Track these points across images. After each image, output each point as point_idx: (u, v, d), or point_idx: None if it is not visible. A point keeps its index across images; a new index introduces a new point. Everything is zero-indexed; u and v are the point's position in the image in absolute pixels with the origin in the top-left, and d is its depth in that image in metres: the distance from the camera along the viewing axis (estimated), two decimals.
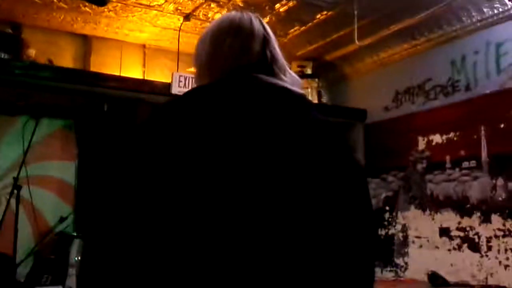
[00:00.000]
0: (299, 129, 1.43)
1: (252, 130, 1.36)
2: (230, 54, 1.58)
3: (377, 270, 8.45)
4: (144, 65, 8.59)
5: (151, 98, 7.07)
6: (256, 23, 1.64)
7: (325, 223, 1.40)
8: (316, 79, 9.21)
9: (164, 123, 1.42)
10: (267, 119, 1.39)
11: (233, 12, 1.69)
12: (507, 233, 6.73)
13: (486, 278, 6.83)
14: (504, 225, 6.76)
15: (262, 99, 1.43)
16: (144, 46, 8.61)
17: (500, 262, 6.77)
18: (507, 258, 6.69)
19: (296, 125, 1.43)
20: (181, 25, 7.67)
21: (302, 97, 1.53)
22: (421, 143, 7.91)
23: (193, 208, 1.29)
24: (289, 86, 1.53)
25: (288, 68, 1.64)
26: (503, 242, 6.75)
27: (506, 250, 6.71)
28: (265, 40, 1.61)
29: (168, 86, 7.24)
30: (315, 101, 9.01)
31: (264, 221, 1.30)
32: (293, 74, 1.63)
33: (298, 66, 9.20)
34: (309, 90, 9.10)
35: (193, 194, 1.30)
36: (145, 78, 8.29)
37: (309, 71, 9.18)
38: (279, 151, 1.37)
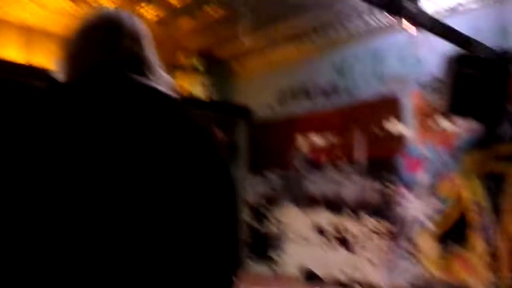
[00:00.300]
0: (164, 129, 1.44)
1: (117, 129, 1.35)
2: (99, 47, 1.57)
3: (253, 265, 8.63)
4: (26, 48, 8.14)
5: (32, 83, 6.70)
6: (130, 21, 1.65)
7: (185, 219, 1.42)
8: (205, 75, 9.21)
9: (27, 116, 1.38)
10: (132, 118, 1.39)
11: (110, 8, 1.70)
12: (376, 232, 7.12)
13: (354, 275, 7.19)
14: (373, 225, 7.15)
15: (129, 98, 1.42)
16: (26, 28, 8.16)
17: (368, 260, 7.16)
18: (375, 256, 7.09)
19: (160, 125, 1.44)
20: (68, 9, 7.35)
21: (170, 98, 1.54)
22: (302, 144, 8.17)
23: (50, 206, 1.26)
24: (157, 86, 1.53)
25: (159, 68, 1.65)
26: (372, 241, 7.14)
27: (374, 248, 7.11)
28: (137, 38, 1.62)
29: (50, 72, 6.90)
30: (204, 97, 9.01)
31: (122, 219, 1.29)
32: (164, 74, 1.64)
33: (188, 61, 9.15)
34: (198, 86, 9.08)
35: (51, 192, 1.27)
36: (27, 62, 7.85)
37: (199, 67, 9.16)
38: (142, 150, 1.37)
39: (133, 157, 1.34)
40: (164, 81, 1.60)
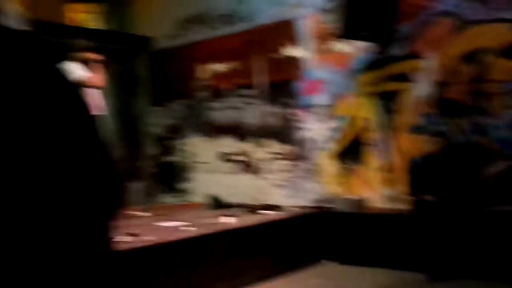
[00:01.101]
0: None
1: None
2: None
3: (162, 196, 8.66)
4: None
5: None
6: None
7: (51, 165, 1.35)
8: (101, 4, 8.79)
9: None
10: None
11: None
12: (278, 156, 7.30)
13: (260, 198, 7.40)
14: (276, 148, 7.32)
15: None
16: None
17: (273, 183, 7.36)
18: (279, 179, 7.30)
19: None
20: None
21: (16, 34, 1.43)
22: (204, 72, 8.10)
23: None
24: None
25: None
26: (275, 164, 7.33)
27: (278, 171, 7.31)
28: None
29: None
30: (99, 26, 8.63)
31: None
32: (13, 8, 1.53)
33: None
34: (90, 14, 8.68)
35: None
36: None
37: None
38: None
39: None
40: (11, 16, 1.49)
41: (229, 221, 5.80)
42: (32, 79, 1.35)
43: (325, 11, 6.73)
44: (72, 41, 6.13)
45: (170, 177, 8.55)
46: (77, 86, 1.49)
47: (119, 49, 8.57)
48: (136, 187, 7.99)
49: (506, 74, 5.48)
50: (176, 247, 4.81)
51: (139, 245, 4.62)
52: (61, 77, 1.43)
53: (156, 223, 5.90)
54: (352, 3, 5.66)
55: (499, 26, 5.54)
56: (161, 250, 4.69)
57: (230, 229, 5.49)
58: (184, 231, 5.29)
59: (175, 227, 5.53)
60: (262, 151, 7.47)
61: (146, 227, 5.55)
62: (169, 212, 6.95)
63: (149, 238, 4.85)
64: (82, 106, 1.48)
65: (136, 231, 5.09)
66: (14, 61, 1.36)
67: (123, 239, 4.73)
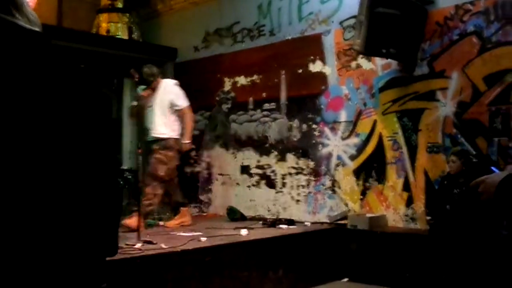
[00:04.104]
0: (22, 65, 1.37)
1: None
2: None
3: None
4: None
5: None
6: None
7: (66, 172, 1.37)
8: (127, 14, 8.94)
9: None
10: None
11: None
12: (299, 170, 7.29)
13: (279, 212, 7.39)
14: (297, 163, 7.32)
15: None
16: None
17: (292, 197, 7.35)
18: (298, 194, 7.28)
19: (19, 61, 1.37)
20: None
21: (36, 35, 1.47)
22: (227, 84, 8.16)
23: None
24: (21, 23, 1.46)
25: (26, 5, 1.55)
26: (295, 179, 7.32)
27: (298, 186, 7.30)
28: None
29: None
30: (125, 36, 8.77)
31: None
32: (31, 12, 1.56)
33: (111, 2, 8.86)
34: (119, 25, 8.82)
35: None
36: None
37: (120, 5, 8.88)
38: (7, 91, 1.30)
39: None
40: (31, 19, 1.53)
41: (244, 233, 5.80)
42: (48, 81, 1.38)
43: (348, 27, 6.75)
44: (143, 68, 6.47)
45: (191, 188, 8.58)
46: (96, 95, 1.52)
47: (145, 59, 8.69)
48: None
49: None
50: (189, 256, 4.82)
51: (153, 252, 4.65)
52: (76, 81, 1.46)
53: (173, 232, 5.92)
54: (374, 19, 5.65)
55: None
56: (174, 258, 4.70)
57: (244, 241, 5.48)
58: (199, 241, 5.30)
59: (191, 237, 5.55)
60: (283, 165, 7.46)
61: (162, 236, 5.58)
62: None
63: (164, 246, 4.87)
64: (92, 110, 1.51)
65: (152, 239, 5.13)
66: (33, 61, 1.39)
67: (139, 246, 4.77)
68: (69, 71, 1.47)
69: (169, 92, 6.47)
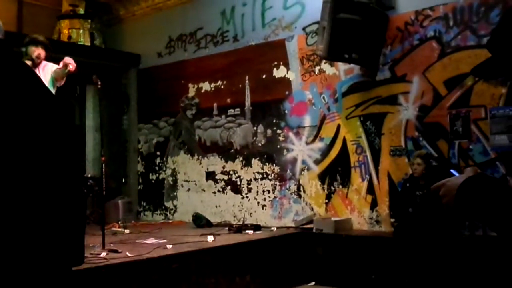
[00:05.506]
0: None
1: None
2: None
3: (148, 214, 8.63)
4: None
5: None
6: None
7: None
8: (89, 20, 8.84)
9: None
10: None
11: None
12: (264, 176, 7.31)
13: (245, 218, 7.39)
14: (262, 168, 7.33)
15: None
16: None
17: (258, 203, 7.36)
18: (264, 199, 7.30)
19: None
20: None
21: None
22: (191, 90, 8.14)
23: None
24: None
25: None
26: (261, 184, 7.34)
27: (263, 191, 7.31)
28: None
29: None
30: (87, 43, 8.67)
31: None
32: None
33: (70, 5, 8.75)
34: (81, 31, 8.72)
35: None
36: None
37: (81, 11, 8.78)
38: None
39: None
40: None
41: (210, 239, 5.78)
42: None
43: (311, 32, 6.81)
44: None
45: (155, 195, 8.53)
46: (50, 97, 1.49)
47: (108, 66, 8.61)
48: (121, 203, 7.97)
49: (488, 99, 5.54)
50: (155, 264, 4.78)
51: (118, 261, 4.59)
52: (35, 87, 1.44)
53: (138, 240, 5.86)
54: (337, 25, 5.71)
55: (483, 52, 5.61)
56: (139, 267, 4.66)
57: (211, 248, 5.46)
58: (165, 248, 5.26)
59: (157, 244, 5.50)
60: (248, 171, 7.47)
61: (128, 244, 5.52)
62: (153, 229, 6.92)
63: (129, 255, 4.82)
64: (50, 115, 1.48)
65: (117, 248, 5.07)
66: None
67: (103, 255, 4.71)
68: (31, 79, 1.45)
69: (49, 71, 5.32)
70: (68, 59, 5.13)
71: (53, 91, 4.34)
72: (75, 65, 5.18)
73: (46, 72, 5.16)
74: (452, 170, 1.39)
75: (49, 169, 1.42)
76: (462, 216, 1.29)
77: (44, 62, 5.20)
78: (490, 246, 4.76)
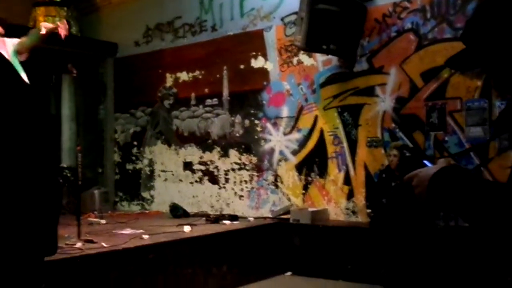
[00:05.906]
0: None
1: None
2: None
3: (125, 204, 8.58)
4: None
5: None
6: None
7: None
8: (65, 8, 8.70)
9: None
10: None
11: None
12: (242, 166, 7.31)
13: (222, 208, 7.39)
14: (240, 159, 7.33)
15: None
16: None
17: (235, 193, 7.36)
18: (242, 189, 7.30)
19: None
20: None
21: None
22: (169, 80, 8.08)
23: None
24: None
25: None
26: (238, 174, 7.34)
27: (241, 182, 7.31)
28: None
29: None
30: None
31: None
32: None
33: None
34: (57, 18, 8.58)
35: None
36: None
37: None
38: None
39: None
40: None
41: (187, 230, 5.76)
42: None
43: (290, 23, 6.81)
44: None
45: (132, 185, 8.48)
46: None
47: (84, 54, 8.50)
48: (97, 194, 7.90)
49: (464, 92, 5.60)
50: (132, 254, 4.76)
51: (94, 251, 4.56)
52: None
53: (114, 231, 5.83)
54: (315, 16, 5.71)
55: (459, 45, 5.65)
56: (115, 257, 4.63)
57: (187, 238, 5.45)
58: (141, 239, 5.24)
59: (133, 234, 5.47)
60: (226, 161, 7.46)
61: (104, 235, 5.48)
62: (129, 220, 6.89)
63: (105, 245, 4.79)
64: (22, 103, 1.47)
65: (93, 238, 5.03)
66: None
67: (79, 245, 4.67)
68: (4, 67, 1.43)
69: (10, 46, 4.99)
70: (45, 24, 4.76)
71: (18, 67, 3.73)
72: (66, 27, 4.73)
73: (8, 47, 4.75)
74: (425, 161, 1.40)
75: (23, 158, 1.41)
76: (435, 207, 1.30)
77: (1, 38, 4.84)
78: (462, 236, 4.83)
